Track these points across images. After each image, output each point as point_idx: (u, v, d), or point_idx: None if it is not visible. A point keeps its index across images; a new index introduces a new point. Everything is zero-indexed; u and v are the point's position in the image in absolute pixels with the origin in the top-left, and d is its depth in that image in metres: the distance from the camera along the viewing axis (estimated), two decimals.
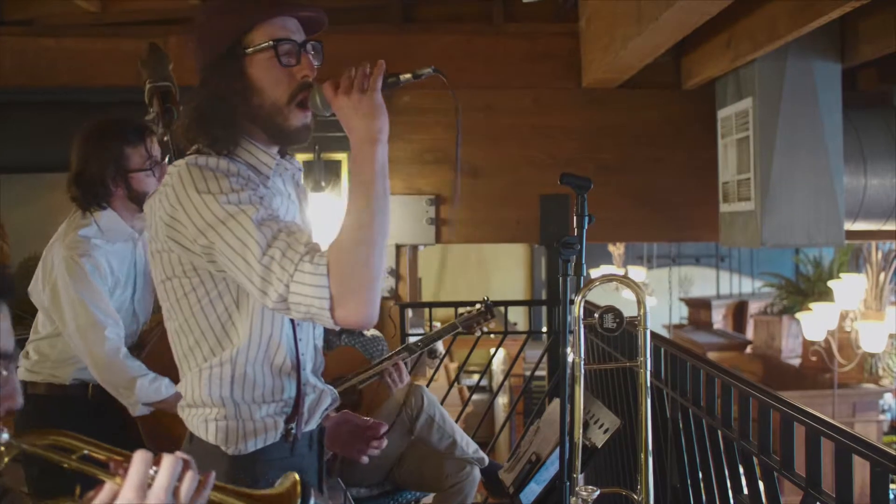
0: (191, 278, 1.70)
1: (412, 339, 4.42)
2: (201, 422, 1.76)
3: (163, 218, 1.66)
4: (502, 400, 8.54)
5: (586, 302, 2.36)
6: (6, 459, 1.18)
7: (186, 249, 1.66)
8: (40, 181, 5.05)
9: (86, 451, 1.22)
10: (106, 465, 1.22)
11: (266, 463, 1.77)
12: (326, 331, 3.80)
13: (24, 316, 3.01)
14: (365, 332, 3.96)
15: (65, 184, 2.91)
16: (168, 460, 1.19)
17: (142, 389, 2.72)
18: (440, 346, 5.20)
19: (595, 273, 10.64)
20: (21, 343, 2.92)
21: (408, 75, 1.67)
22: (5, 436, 1.18)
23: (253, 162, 1.76)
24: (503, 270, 11.09)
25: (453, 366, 7.66)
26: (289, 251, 1.54)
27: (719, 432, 2.70)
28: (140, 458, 1.18)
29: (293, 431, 1.80)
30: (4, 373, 1.18)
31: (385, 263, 1.62)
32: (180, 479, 1.20)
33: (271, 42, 1.70)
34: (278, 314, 1.72)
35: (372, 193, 1.58)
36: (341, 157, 4.98)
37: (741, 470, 2.59)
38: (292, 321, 1.78)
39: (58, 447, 1.22)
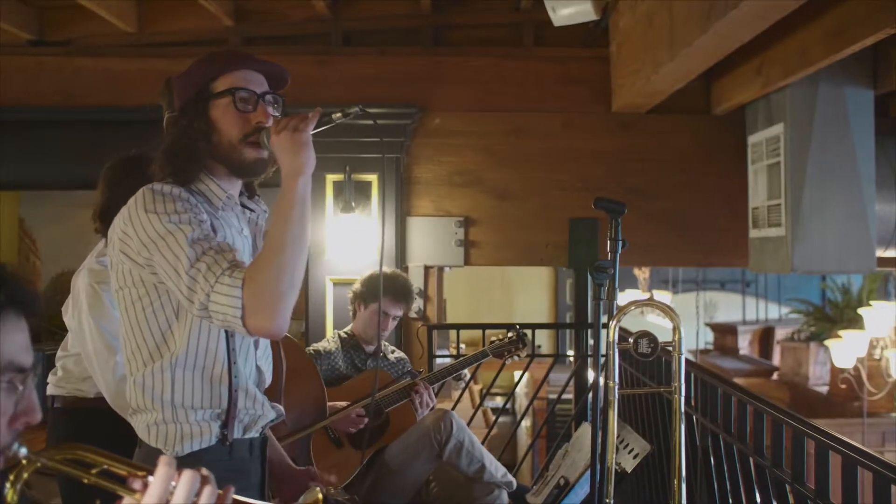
0: (138, 288, 1.90)
1: (439, 361, 4.42)
2: (144, 427, 1.93)
3: (118, 234, 1.89)
4: (525, 423, 8.49)
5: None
6: (25, 474, 1.18)
7: (134, 262, 1.87)
8: (73, 198, 5.11)
9: (105, 466, 1.22)
10: (125, 480, 1.22)
11: (206, 464, 1.91)
12: (353, 355, 3.84)
13: (56, 332, 3.08)
14: (389, 355, 3.97)
15: None
16: (187, 475, 1.20)
17: None
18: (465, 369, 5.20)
19: (621, 297, 10.55)
20: (51, 358, 3.00)
21: (338, 114, 1.89)
22: (24, 450, 1.18)
23: (207, 194, 1.97)
24: (527, 293, 11.04)
25: (478, 388, 7.63)
26: (213, 266, 1.75)
27: (751, 459, 2.68)
28: (161, 473, 1.19)
29: (228, 436, 1.95)
30: (21, 388, 1.18)
31: (300, 282, 1.80)
32: (199, 493, 1.21)
33: (230, 89, 1.94)
34: (214, 329, 1.92)
35: (289, 219, 1.80)
36: (371, 178, 5.00)
37: (773, 499, 2.57)
38: (228, 338, 1.95)
39: (77, 462, 1.22)
